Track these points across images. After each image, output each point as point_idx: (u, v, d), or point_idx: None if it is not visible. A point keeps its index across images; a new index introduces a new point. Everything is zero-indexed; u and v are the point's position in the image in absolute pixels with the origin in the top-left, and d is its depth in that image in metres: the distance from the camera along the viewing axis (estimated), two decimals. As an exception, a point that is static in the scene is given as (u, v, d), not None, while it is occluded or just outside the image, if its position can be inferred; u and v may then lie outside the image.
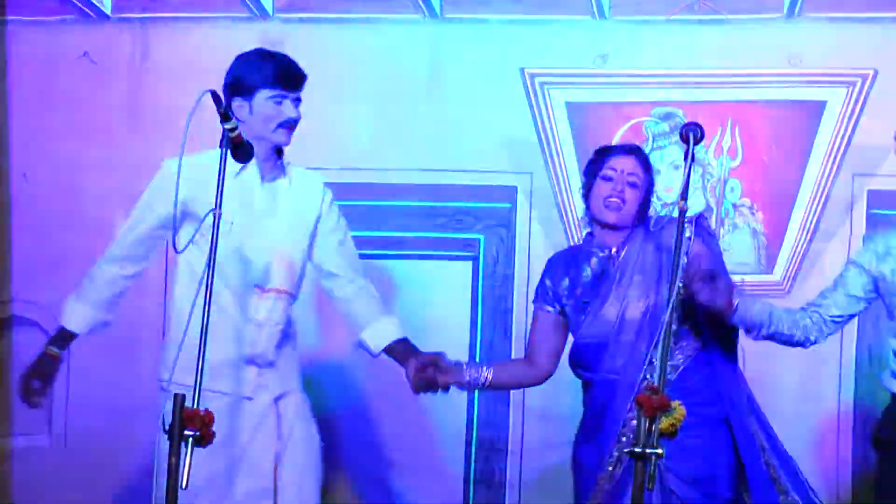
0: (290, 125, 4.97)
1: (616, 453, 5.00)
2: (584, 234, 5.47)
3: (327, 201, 5.16)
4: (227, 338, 4.91)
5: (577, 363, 5.23)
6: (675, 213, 4.73)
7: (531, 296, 5.42)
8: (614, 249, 5.15)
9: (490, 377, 5.30)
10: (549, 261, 5.43)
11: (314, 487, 5.13)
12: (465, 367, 5.29)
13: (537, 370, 5.32)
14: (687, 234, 4.96)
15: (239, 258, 4.97)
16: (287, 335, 5.10)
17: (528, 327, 5.40)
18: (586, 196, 5.18)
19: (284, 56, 5.03)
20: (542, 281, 5.35)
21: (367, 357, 5.25)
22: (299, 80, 4.99)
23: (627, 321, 5.06)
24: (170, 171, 4.76)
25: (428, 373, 5.19)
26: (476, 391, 5.65)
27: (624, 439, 4.98)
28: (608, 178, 5.07)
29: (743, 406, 5.11)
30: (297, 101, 4.98)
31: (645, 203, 5.18)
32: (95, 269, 5.08)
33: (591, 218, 5.18)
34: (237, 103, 4.88)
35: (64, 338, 5.02)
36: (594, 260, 5.17)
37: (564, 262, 5.29)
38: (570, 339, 5.31)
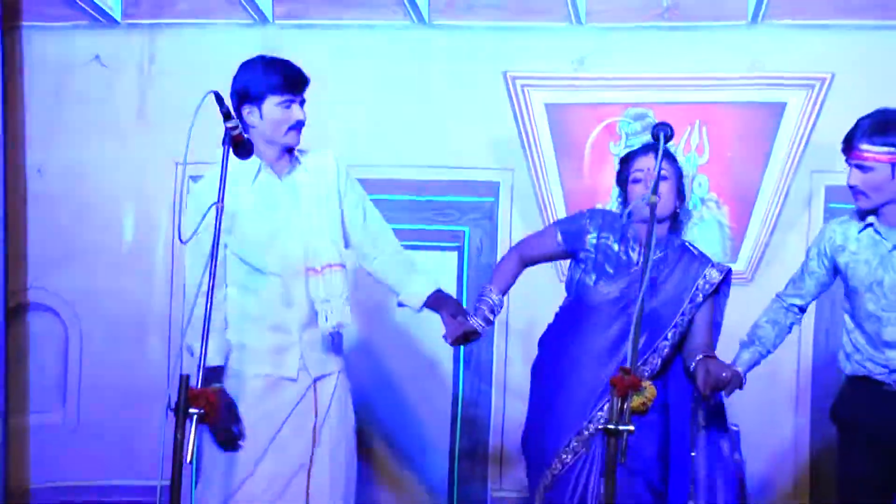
0: (298, 127, 4.97)
1: (586, 432, 5.06)
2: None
3: (343, 174, 5.11)
4: (269, 323, 4.91)
5: (559, 329, 5.28)
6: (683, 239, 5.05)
7: None
8: (650, 248, 4.98)
9: (500, 299, 5.27)
10: (594, 212, 5.39)
11: (344, 474, 5.09)
12: (478, 316, 5.20)
13: (521, 265, 5.33)
14: (715, 278, 5.14)
15: (278, 252, 4.93)
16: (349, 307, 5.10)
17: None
18: (624, 203, 5.21)
19: (288, 62, 5.00)
20: (573, 218, 5.38)
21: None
22: (304, 84, 4.98)
23: (627, 311, 5.08)
24: (198, 193, 4.85)
25: (458, 329, 5.12)
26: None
27: (600, 416, 5.02)
28: (638, 181, 5.11)
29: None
30: (303, 102, 4.98)
31: (679, 191, 5.18)
32: (196, 309, 4.77)
33: (631, 217, 5.14)
34: (247, 110, 4.86)
35: (215, 374, 4.81)
36: (628, 247, 5.17)
37: (602, 220, 5.26)
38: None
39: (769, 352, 5.19)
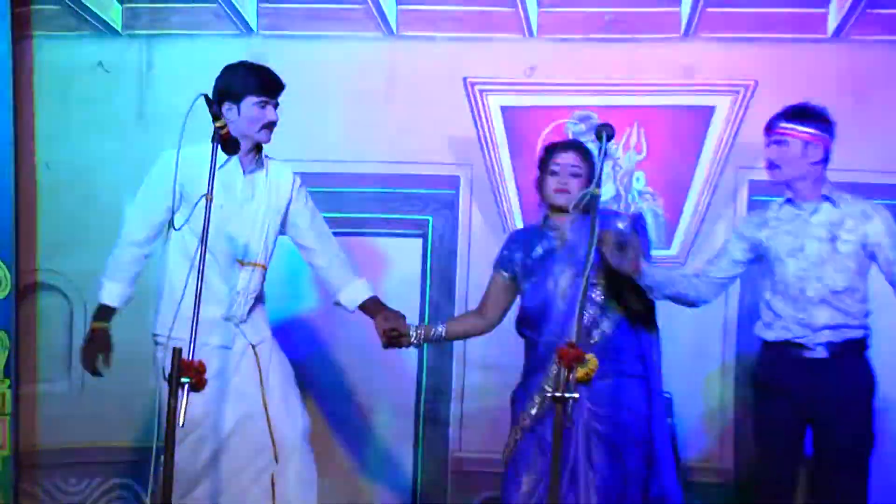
0: (271, 126, 5.08)
1: (537, 398, 5.13)
2: (519, 217, 5.63)
3: (296, 187, 5.24)
4: (213, 301, 4.98)
5: (522, 325, 5.32)
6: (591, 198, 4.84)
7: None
8: (562, 233, 5.20)
9: (444, 332, 5.41)
10: (510, 235, 5.52)
11: (297, 401, 5.22)
12: (419, 328, 5.36)
13: (487, 322, 5.42)
14: (621, 226, 5.12)
15: (224, 237, 5.04)
16: (258, 298, 5.22)
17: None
18: (539, 188, 5.26)
19: (267, 68, 5.11)
20: (501, 251, 5.41)
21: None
22: (279, 88, 5.08)
23: (565, 293, 5.15)
24: (166, 162, 4.93)
25: (392, 334, 5.26)
26: (430, 344, 5.63)
27: (546, 387, 5.06)
28: (555, 173, 5.17)
29: (659, 370, 5.24)
30: (277, 105, 5.05)
31: (586, 187, 5.16)
32: (119, 252, 5.13)
33: (546, 204, 5.26)
34: (227, 107, 4.98)
35: (106, 313, 5.08)
36: (545, 241, 5.25)
37: (521, 239, 5.36)
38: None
39: (672, 286, 5.12)
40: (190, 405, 4.60)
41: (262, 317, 5.26)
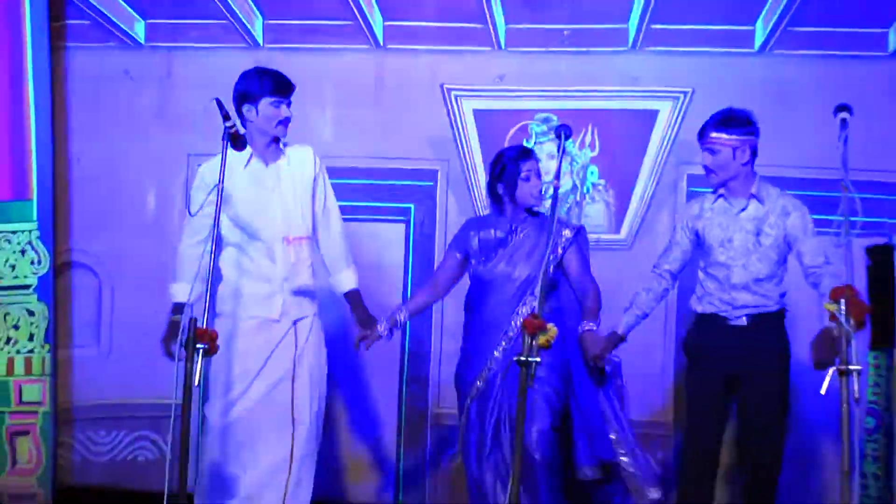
0: (285, 122, 5.14)
1: (490, 365, 5.31)
2: (485, 206, 5.67)
3: (318, 164, 5.28)
4: (262, 278, 5.12)
5: (469, 301, 5.48)
6: (550, 192, 5.01)
7: (447, 247, 5.63)
8: (513, 224, 5.35)
9: (406, 315, 5.52)
10: (466, 221, 5.64)
11: (320, 383, 5.28)
12: (383, 324, 5.41)
13: (437, 293, 5.59)
14: (568, 234, 5.34)
15: (264, 222, 5.12)
16: (309, 274, 5.23)
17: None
18: (512, 190, 5.33)
19: (279, 72, 5.18)
20: (458, 234, 5.56)
21: (332, 296, 5.39)
22: (291, 88, 5.16)
23: (511, 278, 5.35)
24: (201, 174, 5.09)
25: (363, 335, 5.37)
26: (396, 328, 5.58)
27: (496, 354, 5.31)
28: (527, 179, 5.31)
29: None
30: (290, 103, 5.15)
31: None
32: (182, 252, 5.16)
33: (511, 201, 5.34)
34: (246, 108, 5.07)
35: (179, 308, 5.09)
36: (498, 230, 5.40)
37: (477, 225, 5.51)
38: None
39: (646, 314, 5.34)
40: (229, 371, 4.92)
41: (308, 294, 5.25)
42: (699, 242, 5.28)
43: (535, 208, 5.38)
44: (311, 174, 5.26)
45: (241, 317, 5.11)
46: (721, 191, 5.20)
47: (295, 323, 5.20)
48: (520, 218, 5.39)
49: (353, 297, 5.40)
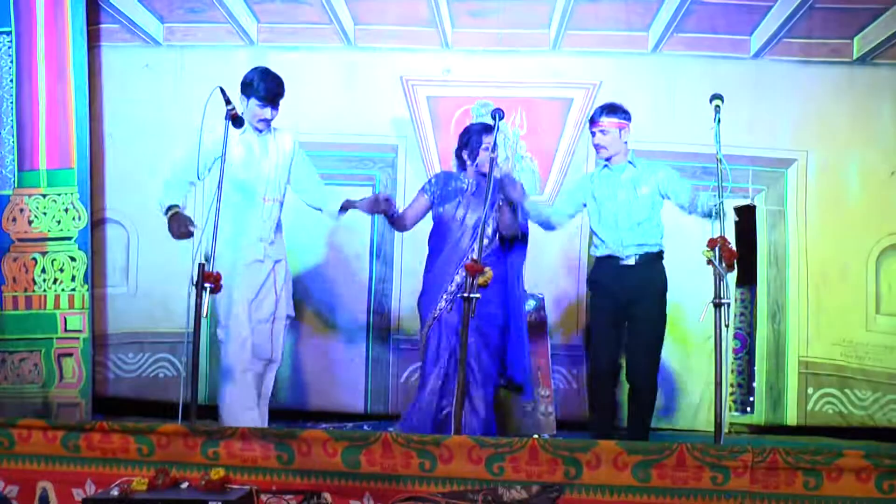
0: (265, 122, 5.17)
1: (446, 296, 5.28)
2: (438, 171, 5.70)
3: (296, 147, 5.32)
4: (249, 228, 5.14)
5: (431, 238, 5.47)
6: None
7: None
8: (470, 182, 5.36)
9: (398, 212, 5.48)
10: (437, 174, 5.67)
11: (288, 311, 5.32)
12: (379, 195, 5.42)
13: (405, 225, 5.52)
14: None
15: (250, 183, 5.14)
16: (279, 225, 5.27)
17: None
18: (474, 157, 5.32)
19: (274, 82, 5.13)
20: (428, 181, 5.55)
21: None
22: (278, 97, 5.15)
23: (465, 223, 5.36)
24: (203, 140, 4.94)
25: (376, 205, 5.34)
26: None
27: (451, 288, 5.26)
28: (487, 149, 5.29)
29: (521, 277, 5.48)
30: (275, 107, 5.15)
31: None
32: (170, 182, 5.10)
33: (471, 164, 5.35)
34: (241, 98, 5.08)
35: (175, 207, 5.04)
36: (459, 182, 5.40)
37: (445, 177, 5.50)
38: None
39: (541, 215, 5.44)
40: (235, 304, 4.91)
41: (281, 240, 5.31)
42: (592, 200, 5.38)
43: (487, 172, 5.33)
44: (289, 156, 5.31)
45: (238, 262, 5.10)
46: (606, 162, 5.33)
47: (275, 263, 5.24)
48: (476, 177, 5.41)
49: (348, 204, 5.41)
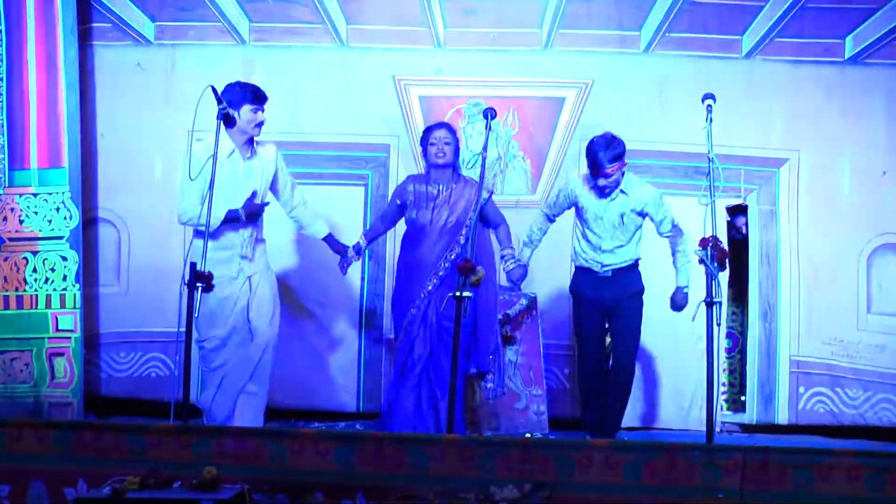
0: (261, 124, 5.18)
1: (423, 296, 5.34)
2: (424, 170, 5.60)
3: (279, 160, 5.35)
4: (229, 245, 5.15)
5: (404, 242, 5.54)
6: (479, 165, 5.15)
7: None
8: (442, 184, 5.39)
9: (364, 242, 5.61)
10: (406, 178, 5.70)
11: (273, 316, 5.32)
12: (351, 248, 5.54)
13: (381, 231, 5.71)
14: (485, 196, 5.30)
15: (233, 203, 5.11)
16: (259, 240, 5.30)
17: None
18: (424, 153, 5.52)
19: (255, 85, 5.21)
20: (398, 186, 5.66)
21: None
22: (265, 98, 5.19)
23: (436, 227, 5.40)
24: (195, 152, 5.00)
25: (343, 261, 5.51)
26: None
27: (429, 287, 5.33)
28: (433, 144, 5.34)
29: (496, 284, 5.57)
30: (263, 110, 5.18)
31: (456, 152, 5.40)
32: (192, 208, 5.04)
33: (428, 163, 5.49)
34: (231, 112, 5.00)
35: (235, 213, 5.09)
36: (430, 186, 5.44)
37: (413, 180, 5.57)
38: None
39: (537, 245, 5.62)
40: (212, 316, 4.92)
41: (262, 254, 5.33)
42: (577, 211, 5.55)
43: (442, 163, 5.40)
44: (272, 168, 5.33)
45: (216, 276, 4.90)
46: (602, 183, 5.38)
47: (249, 278, 5.24)
48: (448, 178, 5.43)
49: (329, 238, 5.58)
